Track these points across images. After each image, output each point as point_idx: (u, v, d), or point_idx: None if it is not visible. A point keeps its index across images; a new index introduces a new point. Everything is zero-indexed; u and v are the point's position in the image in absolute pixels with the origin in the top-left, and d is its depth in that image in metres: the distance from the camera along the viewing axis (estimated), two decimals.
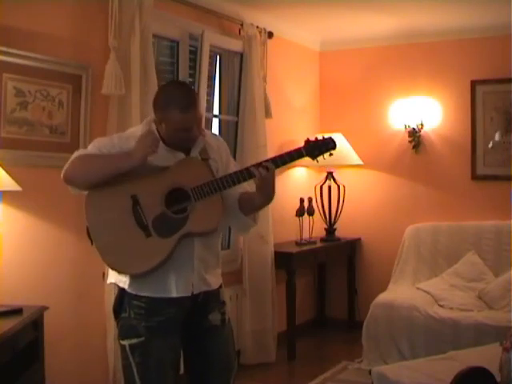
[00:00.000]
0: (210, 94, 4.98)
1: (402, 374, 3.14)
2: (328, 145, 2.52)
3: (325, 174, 5.79)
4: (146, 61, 3.85)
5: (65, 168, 2.44)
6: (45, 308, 3.09)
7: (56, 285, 3.53)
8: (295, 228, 5.53)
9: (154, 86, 3.82)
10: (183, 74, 4.47)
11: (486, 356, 2.99)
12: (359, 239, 5.97)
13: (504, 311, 4.48)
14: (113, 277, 2.51)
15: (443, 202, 5.60)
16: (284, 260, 5.11)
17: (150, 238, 2.39)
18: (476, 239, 5.22)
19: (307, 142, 2.52)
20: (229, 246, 5.10)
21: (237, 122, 5.03)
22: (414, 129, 5.65)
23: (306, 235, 5.55)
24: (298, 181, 5.78)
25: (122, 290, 2.49)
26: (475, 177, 5.49)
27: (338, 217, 5.83)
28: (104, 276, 3.48)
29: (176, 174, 2.44)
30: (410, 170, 5.74)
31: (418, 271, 5.31)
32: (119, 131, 3.20)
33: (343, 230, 5.87)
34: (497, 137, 5.38)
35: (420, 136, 5.65)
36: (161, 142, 2.47)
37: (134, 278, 2.45)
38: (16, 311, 2.94)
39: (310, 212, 5.54)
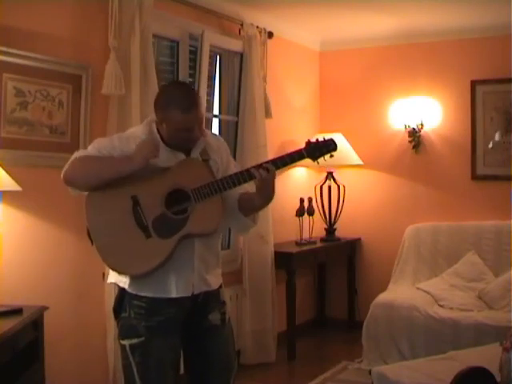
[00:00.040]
0: (210, 94, 4.98)
1: (402, 374, 3.14)
2: (329, 146, 2.52)
3: (325, 174, 5.79)
4: (146, 61, 3.85)
5: (64, 169, 2.44)
6: (45, 308, 3.09)
7: (56, 285, 3.53)
8: (295, 228, 5.53)
9: (154, 86, 3.82)
10: (183, 74, 4.47)
11: (486, 356, 2.99)
12: (359, 239, 5.97)
13: (504, 311, 4.48)
14: (113, 276, 2.52)
15: (443, 202, 5.61)
16: (284, 260, 5.11)
17: (150, 239, 2.39)
18: (476, 239, 5.23)
19: (308, 143, 2.51)
20: (229, 246, 5.10)
21: (237, 122, 5.02)
22: (414, 129, 5.65)
23: (306, 235, 5.55)
24: (297, 181, 5.78)
25: (122, 290, 2.50)
26: (475, 177, 5.49)
27: (337, 217, 5.83)
28: (104, 276, 3.48)
29: (176, 175, 2.44)
30: (410, 170, 5.74)
31: (417, 271, 5.31)
32: (119, 131, 3.20)
33: (343, 230, 5.87)
34: (497, 137, 5.38)
35: (420, 136, 5.65)
36: (161, 143, 2.47)
37: (134, 278, 2.45)
38: (16, 311, 2.94)
39: (310, 212, 5.54)
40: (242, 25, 4.87)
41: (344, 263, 5.92)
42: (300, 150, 2.50)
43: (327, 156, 2.53)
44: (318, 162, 2.55)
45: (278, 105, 5.35)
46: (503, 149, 5.35)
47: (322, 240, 5.73)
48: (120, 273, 2.44)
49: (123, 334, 2.48)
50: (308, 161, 2.55)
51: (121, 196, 2.42)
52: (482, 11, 4.92)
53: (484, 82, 5.41)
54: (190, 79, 4.55)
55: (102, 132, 3.60)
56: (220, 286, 2.61)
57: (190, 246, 2.44)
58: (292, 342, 5.12)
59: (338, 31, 5.71)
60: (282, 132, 5.52)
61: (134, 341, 2.44)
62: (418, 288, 5.01)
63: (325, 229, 5.84)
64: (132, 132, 2.56)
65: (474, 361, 2.84)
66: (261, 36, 5.01)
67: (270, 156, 4.64)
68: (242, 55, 4.96)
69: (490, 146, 5.40)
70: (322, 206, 5.80)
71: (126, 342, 2.46)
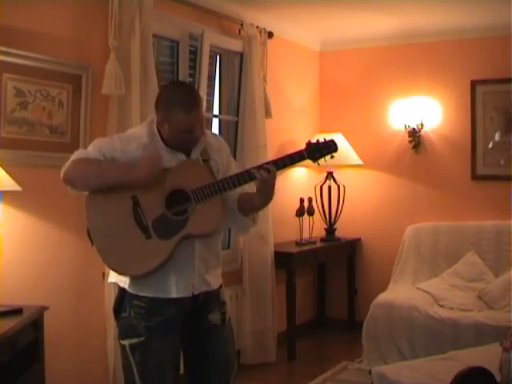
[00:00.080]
0: (210, 94, 4.98)
1: (402, 374, 3.14)
2: (330, 147, 2.52)
3: (325, 174, 5.79)
4: (146, 61, 3.85)
5: (65, 168, 2.43)
6: (45, 308, 3.09)
7: (56, 285, 3.53)
8: (295, 228, 5.53)
9: (154, 86, 3.82)
10: (183, 74, 4.47)
11: (486, 356, 2.99)
12: (359, 239, 5.97)
13: (504, 311, 4.48)
14: (114, 276, 2.52)
15: (443, 202, 5.61)
16: (284, 260, 5.11)
17: (150, 240, 2.39)
18: (476, 239, 5.23)
19: (308, 144, 2.51)
20: (229, 246, 5.10)
21: (237, 122, 5.02)
22: (414, 129, 5.65)
23: (306, 235, 5.55)
24: (298, 181, 5.78)
25: (122, 290, 2.50)
26: (475, 177, 5.49)
27: (338, 217, 5.83)
28: (104, 276, 3.49)
29: (177, 176, 2.43)
30: (410, 170, 5.74)
31: (418, 271, 5.31)
32: (119, 131, 3.21)
33: (343, 230, 5.87)
34: (497, 137, 5.38)
35: (420, 136, 5.65)
36: (162, 143, 2.47)
37: (135, 279, 2.45)
38: (16, 311, 2.94)
39: (310, 212, 5.54)
40: (242, 25, 4.87)
41: (344, 263, 5.92)
42: (300, 151, 2.50)
43: (328, 157, 2.53)
44: (318, 163, 2.55)
45: (278, 105, 5.35)
46: (503, 149, 5.35)
47: (321, 240, 5.73)
48: (120, 273, 2.44)
49: (123, 333, 2.48)
50: (308, 161, 2.55)
51: (121, 196, 2.42)
52: (482, 11, 4.92)
53: (484, 81, 5.41)
54: (190, 79, 4.55)
55: (102, 132, 3.60)
56: (220, 286, 2.61)
57: (190, 246, 2.44)
58: (292, 342, 5.12)
59: (337, 31, 5.71)
60: (281, 132, 5.52)
61: (134, 341, 2.44)
62: (418, 288, 5.01)
63: (325, 229, 5.84)
64: (132, 132, 2.56)
65: (474, 361, 2.84)
66: (261, 36, 5.01)
67: (270, 156, 4.65)
68: (241, 55, 4.96)
69: (490, 145, 5.40)
70: (322, 206, 5.80)
71: (125, 342, 2.46)
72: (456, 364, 2.91)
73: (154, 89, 3.75)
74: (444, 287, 4.94)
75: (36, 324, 3.03)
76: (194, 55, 4.60)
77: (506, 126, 5.37)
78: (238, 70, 5.02)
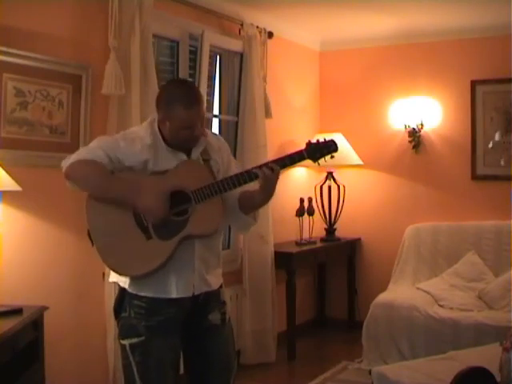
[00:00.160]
0: (210, 94, 4.98)
1: (402, 374, 3.14)
2: (330, 147, 2.52)
3: (325, 174, 5.79)
4: (146, 61, 3.85)
5: (70, 164, 2.40)
6: (45, 308, 3.09)
7: (56, 285, 3.52)
8: (295, 228, 5.53)
9: (154, 86, 3.82)
10: (183, 74, 4.47)
11: (486, 356, 2.99)
12: (359, 239, 5.97)
13: (504, 311, 4.48)
14: (114, 276, 2.51)
15: (443, 202, 5.61)
16: (284, 260, 5.11)
17: (150, 241, 2.39)
18: (476, 239, 5.23)
19: (308, 144, 2.51)
20: (229, 246, 5.10)
21: (237, 122, 5.02)
22: (414, 129, 5.65)
23: (306, 235, 5.55)
24: (298, 181, 5.78)
25: (122, 290, 2.50)
26: (475, 177, 5.49)
27: (338, 217, 5.83)
28: (104, 276, 3.49)
29: (177, 177, 2.43)
30: (410, 170, 5.74)
31: (418, 271, 5.31)
32: (119, 131, 3.19)
33: (343, 230, 5.87)
34: (497, 137, 5.37)
35: (420, 136, 5.65)
36: (163, 143, 2.47)
37: (135, 279, 2.45)
38: (16, 311, 2.93)
39: (310, 212, 5.54)
40: (242, 25, 4.87)
41: (344, 263, 5.92)
42: (300, 151, 2.50)
43: (328, 157, 2.53)
44: (318, 163, 2.55)
45: (278, 105, 5.35)
46: (503, 149, 5.35)
47: (321, 240, 5.73)
48: (120, 274, 2.45)
49: (123, 333, 2.48)
50: (308, 161, 2.55)
51: None
52: (482, 11, 4.92)
53: (484, 81, 5.41)
54: (190, 79, 4.55)
55: (102, 132, 3.60)
56: (220, 286, 2.61)
57: (190, 246, 2.44)
58: (292, 342, 5.12)
59: (338, 31, 5.71)
60: (282, 132, 5.52)
61: (134, 340, 2.43)
62: (418, 288, 5.01)
63: (325, 229, 5.84)
64: (135, 132, 2.54)
65: (474, 361, 2.84)
66: (261, 36, 5.01)
67: (270, 156, 4.65)
68: (241, 55, 4.96)
69: (490, 145, 5.40)
70: (322, 206, 5.80)
71: (126, 342, 2.46)
72: (456, 364, 2.91)
73: (154, 89, 3.75)
74: (444, 287, 4.94)
75: (36, 324, 3.03)
76: (194, 55, 4.60)
77: (506, 125, 5.37)
78: (238, 70, 5.02)
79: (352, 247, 5.92)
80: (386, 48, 5.83)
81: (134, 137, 2.48)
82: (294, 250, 5.26)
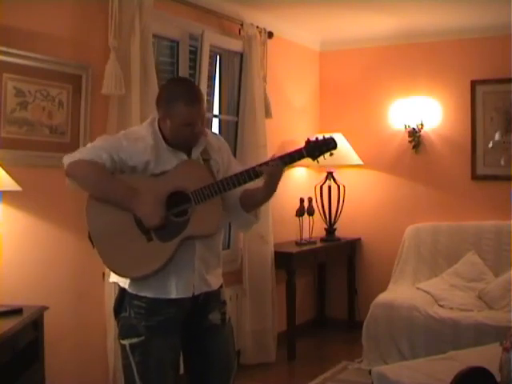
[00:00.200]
0: (210, 94, 4.98)
1: (402, 374, 3.14)
2: (329, 145, 2.52)
3: (325, 174, 5.79)
4: (146, 61, 3.85)
5: (70, 163, 2.41)
6: (45, 308, 3.09)
7: (56, 285, 3.52)
8: (295, 228, 5.53)
9: (154, 86, 3.82)
10: (183, 74, 4.46)
11: (486, 356, 2.99)
12: (359, 239, 5.97)
13: (504, 311, 4.48)
14: (114, 276, 2.51)
15: (443, 202, 5.60)
16: (284, 260, 5.11)
17: (151, 242, 2.39)
18: (476, 239, 5.23)
19: (308, 142, 2.51)
20: (229, 246, 5.10)
21: (237, 122, 5.02)
22: (414, 129, 5.65)
23: (306, 235, 5.55)
24: (297, 181, 5.78)
25: (122, 290, 2.50)
26: (475, 177, 5.49)
27: (338, 217, 5.83)
28: (104, 276, 3.49)
29: (176, 177, 2.43)
30: (410, 170, 5.74)
31: (418, 271, 5.31)
32: (119, 131, 3.19)
33: (343, 230, 5.87)
34: (497, 137, 5.37)
35: (420, 136, 5.65)
36: (163, 143, 2.46)
37: (135, 280, 2.45)
38: (16, 311, 2.93)
39: (310, 212, 5.54)
40: (242, 25, 4.87)
41: (344, 263, 5.92)
42: (300, 150, 2.50)
43: (327, 154, 2.53)
44: (317, 161, 2.55)
45: (278, 105, 5.35)
46: (503, 149, 5.35)
47: (321, 240, 5.73)
48: (120, 275, 2.45)
49: (123, 333, 2.48)
50: (308, 160, 2.55)
51: None
52: (481, 11, 4.92)
53: (484, 81, 5.41)
54: (190, 79, 4.55)
55: (102, 132, 3.59)
56: (220, 286, 2.61)
57: (190, 247, 2.44)
58: (292, 342, 5.12)
59: (338, 31, 5.71)
60: (282, 132, 5.52)
61: (134, 340, 2.44)
62: (418, 288, 5.01)
63: (325, 229, 5.84)
64: (136, 132, 2.54)
65: (474, 361, 2.84)
66: (261, 36, 5.01)
67: (270, 156, 4.64)
68: (242, 55, 4.96)
69: (490, 145, 5.40)
70: (322, 206, 5.80)
71: (126, 342, 2.46)
72: (456, 364, 2.91)
73: (154, 89, 3.74)
74: (444, 287, 4.94)
75: (36, 324, 3.03)
76: (194, 55, 4.60)
77: (506, 125, 5.37)
78: (238, 70, 5.02)
79: (352, 247, 5.92)
80: (385, 48, 5.83)
81: (136, 137, 2.48)
82: (294, 250, 5.26)
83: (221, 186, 2.43)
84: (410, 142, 5.67)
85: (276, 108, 5.18)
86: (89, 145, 2.53)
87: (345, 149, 5.60)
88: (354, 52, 5.98)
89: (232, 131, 5.07)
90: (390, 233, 5.75)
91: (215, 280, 2.56)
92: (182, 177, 2.44)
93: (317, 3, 4.80)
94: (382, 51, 5.85)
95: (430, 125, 5.65)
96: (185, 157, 2.49)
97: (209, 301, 2.54)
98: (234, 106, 5.08)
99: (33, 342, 3.01)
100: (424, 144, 5.66)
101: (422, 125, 5.63)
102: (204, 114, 2.49)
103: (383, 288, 5.14)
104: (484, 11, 4.91)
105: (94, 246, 2.42)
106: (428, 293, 4.87)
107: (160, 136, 2.47)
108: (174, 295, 2.43)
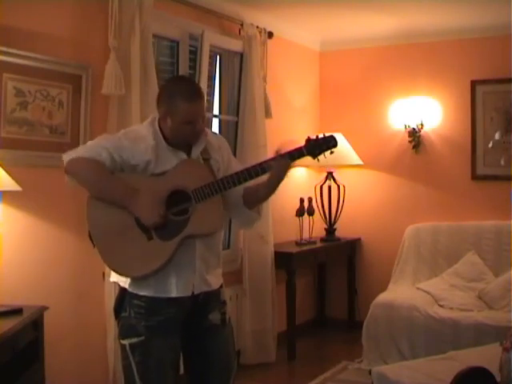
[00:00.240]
0: (210, 94, 4.98)
1: (402, 374, 3.14)
2: (329, 143, 2.52)
3: (325, 174, 5.79)
4: (146, 61, 3.85)
5: (70, 160, 2.41)
6: (45, 308, 3.09)
7: (56, 285, 3.52)
8: (295, 228, 5.53)
9: (154, 86, 3.82)
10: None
11: (486, 356, 2.99)
12: (359, 239, 5.97)
13: (504, 311, 4.48)
14: (115, 276, 2.51)
15: (443, 202, 5.61)
16: (284, 260, 5.11)
17: (151, 241, 2.39)
18: (476, 239, 5.23)
19: (308, 140, 2.52)
20: (229, 246, 5.10)
21: (237, 122, 5.03)
22: (414, 129, 5.65)
23: (306, 235, 5.55)
24: (298, 181, 5.78)
25: (122, 290, 2.50)
26: (475, 177, 5.49)
27: (338, 217, 5.83)
28: (104, 276, 3.49)
29: (177, 176, 2.43)
30: (410, 170, 5.74)
31: (418, 271, 5.31)
32: (119, 131, 3.20)
33: (343, 230, 5.87)
34: (497, 137, 5.38)
35: (420, 136, 5.65)
36: (164, 142, 2.46)
37: (135, 279, 2.45)
38: (16, 311, 2.93)
39: (310, 212, 5.54)
40: (242, 25, 4.87)
41: (344, 263, 5.92)
42: (300, 148, 2.51)
43: (327, 153, 2.53)
44: (318, 160, 2.55)
45: (278, 105, 5.35)
46: (503, 149, 5.35)
47: (321, 240, 5.73)
48: (121, 274, 2.45)
49: (123, 333, 2.48)
50: (308, 159, 2.55)
51: None
52: (481, 11, 4.92)
53: (484, 81, 5.41)
54: (190, 77, 4.55)
55: (102, 132, 3.58)
56: (221, 286, 2.61)
57: (191, 246, 2.44)
58: (292, 342, 5.11)
59: (338, 31, 5.71)
60: (281, 132, 5.51)
61: (134, 340, 2.43)
62: (418, 288, 5.01)
63: (325, 229, 5.84)
64: (137, 131, 2.53)
65: (474, 361, 2.84)
66: (261, 36, 5.01)
67: (270, 156, 4.64)
68: (242, 55, 4.96)
69: (490, 145, 5.40)
70: (322, 206, 5.80)
71: (126, 342, 2.46)
72: (456, 364, 2.91)
73: (154, 89, 3.74)
74: (444, 287, 4.94)
75: (36, 324, 3.03)
76: (194, 55, 4.60)
77: (506, 125, 5.37)
78: (238, 70, 5.02)
79: (352, 247, 5.92)
80: (385, 48, 5.83)
81: (136, 136, 2.47)
82: (294, 250, 5.26)
83: (221, 184, 2.43)
84: (409, 141, 5.67)
85: (276, 108, 5.18)
86: (89, 142, 2.52)
87: (345, 149, 5.60)
88: (354, 52, 5.98)
89: (232, 131, 5.07)
90: (389, 233, 5.75)
91: (215, 280, 2.56)
92: (182, 176, 2.44)
93: (317, 3, 4.80)
94: (381, 51, 5.85)
95: (430, 125, 5.65)
96: (185, 156, 2.49)
97: (209, 301, 2.54)
98: (234, 105, 5.08)
99: (33, 342, 3.01)
100: (424, 144, 5.66)
101: (422, 125, 5.63)
102: (204, 111, 2.49)
103: (383, 288, 5.14)
104: (484, 11, 4.92)
105: (94, 246, 2.42)
106: (428, 293, 4.87)
107: (160, 136, 2.47)
108: (174, 294, 2.43)
